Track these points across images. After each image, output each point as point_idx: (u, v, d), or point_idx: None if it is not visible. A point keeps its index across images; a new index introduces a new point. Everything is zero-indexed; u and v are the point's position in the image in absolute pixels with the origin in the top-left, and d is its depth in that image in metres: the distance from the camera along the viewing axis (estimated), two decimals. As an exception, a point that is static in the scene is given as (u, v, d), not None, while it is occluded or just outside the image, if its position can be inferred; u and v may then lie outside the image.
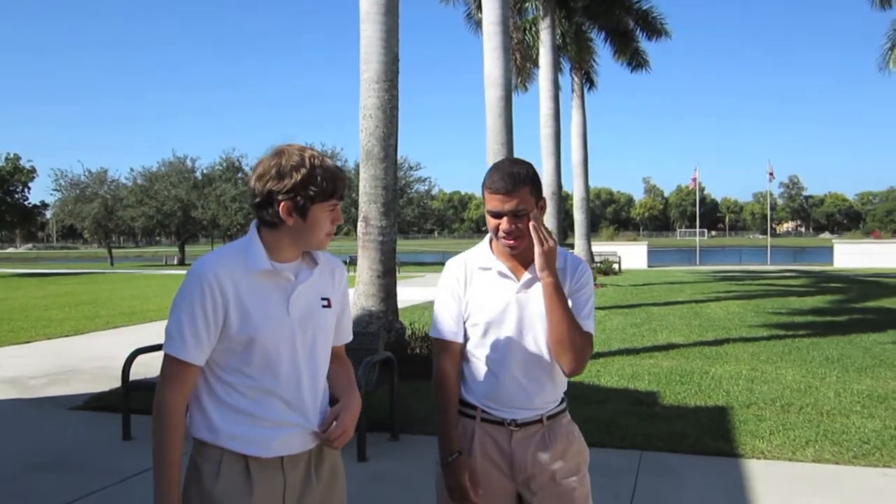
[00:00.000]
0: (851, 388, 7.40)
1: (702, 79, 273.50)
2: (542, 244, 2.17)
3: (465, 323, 2.32)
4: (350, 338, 2.29)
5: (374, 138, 8.03)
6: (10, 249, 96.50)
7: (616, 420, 6.07)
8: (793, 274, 28.74)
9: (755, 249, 61.31)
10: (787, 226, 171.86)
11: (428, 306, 15.35)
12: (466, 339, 2.33)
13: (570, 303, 2.25)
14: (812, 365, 8.63)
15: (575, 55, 26.47)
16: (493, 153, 14.31)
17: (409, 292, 18.66)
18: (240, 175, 45.00)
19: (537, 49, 22.53)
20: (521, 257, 2.29)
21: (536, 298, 2.24)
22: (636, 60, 27.56)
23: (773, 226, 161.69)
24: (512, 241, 2.21)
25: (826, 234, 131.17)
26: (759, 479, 4.78)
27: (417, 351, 8.04)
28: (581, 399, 6.81)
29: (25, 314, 15.70)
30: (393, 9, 8.08)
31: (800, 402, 6.74)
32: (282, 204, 1.93)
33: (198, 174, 46.58)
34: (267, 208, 1.95)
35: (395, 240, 8.32)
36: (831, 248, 38.17)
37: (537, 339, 2.26)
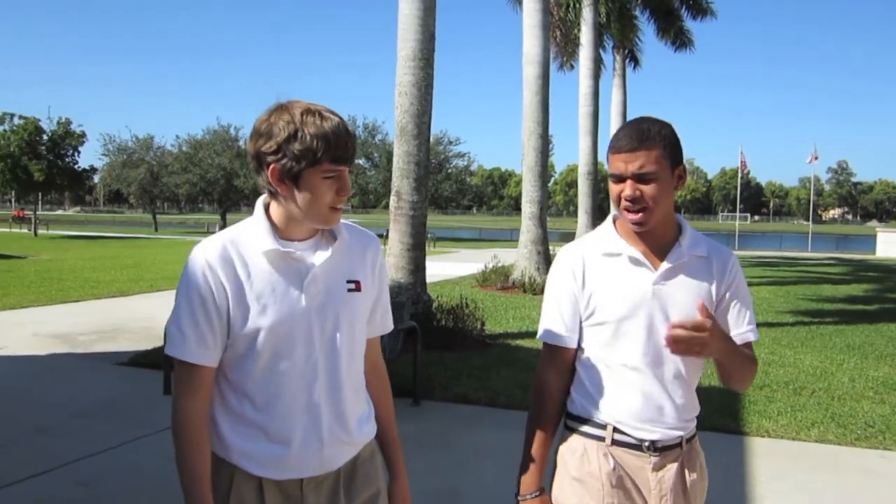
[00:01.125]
0: (867, 374, 7.52)
1: (748, 60, 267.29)
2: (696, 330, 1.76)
3: (584, 322, 1.95)
4: (390, 327, 1.96)
5: (408, 115, 8.29)
6: (59, 212, 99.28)
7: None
8: (832, 262, 28.38)
9: (797, 235, 60.33)
10: (834, 212, 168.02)
11: (458, 282, 15.65)
12: (583, 342, 1.97)
13: (727, 312, 1.94)
14: (832, 351, 8.74)
15: (618, 33, 26.20)
16: (528, 131, 14.46)
17: (442, 267, 18.99)
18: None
19: (579, 27, 22.41)
20: (654, 240, 1.91)
21: (678, 293, 1.88)
22: (680, 40, 27.18)
23: (819, 212, 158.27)
24: (636, 214, 1.83)
25: (874, 222, 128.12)
26: (760, 455, 5.00)
27: (443, 323, 8.34)
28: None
29: (74, 275, 16.39)
30: (430, -12, 8.29)
31: (813, 386, 6.90)
32: (270, 167, 1.64)
33: (241, 143, 47.31)
34: (260, 174, 1.69)
35: (425, 214, 8.61)
36: (874, 237, 37.46)
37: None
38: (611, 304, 1.90)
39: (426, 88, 8.30)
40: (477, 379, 6.80)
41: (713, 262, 1.94)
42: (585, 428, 1.94)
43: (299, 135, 1.59)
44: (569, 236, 25.84)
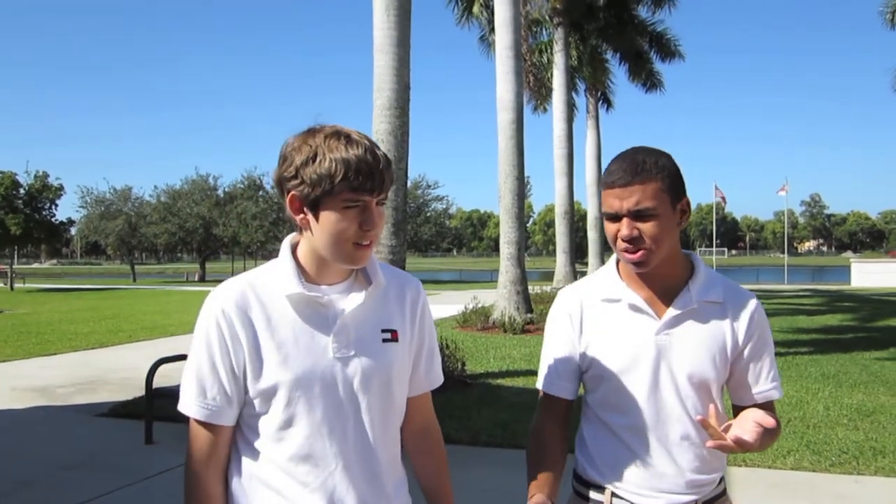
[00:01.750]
0: (842, 402, 7.68)
1: (720, 99, 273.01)
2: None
3: (583, 373, 1.79)
4: (440, 381, 1.76)
5: (384, 162, 8.48)
6: (36, 265, 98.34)
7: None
8: (808, 293, 28.79)
9: (773, 268, 61.17)
10: (809, 244, 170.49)
11: (439, 323, 15.72)
12: (586, 394, 1.84)
13: (746, 367, 1.75)
14: (808, 380, 8.90)
15: (590, 76, 26.86)
16: (503, 174, 14.73)
17: (423, 309, 19.02)
18: (261, 193, 45.78)
19: (552, 71, 22.98)
20: (659, 284, 1.73)
21: (686, 345, 1.70)
22: (651, 81, 27.90)
23: (795, 245, 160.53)
24: (635, 255, 1.65)
25: (848, 253, 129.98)
26: (736, 483, 5.09)
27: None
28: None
29: (52, 327, 16.26)
30: (405, 41, 8.55)
31: (789, 415, 7.03)
32: (290, 194, 1.48)
33: (219, 192, 47.42)
34: (284, 203, 1.53)
35: (404, 258, 8.73)
36: (849, 268, 38.08)
37: (685, 394, 1.71)
38: (608, 355, 1.73)
39: (402, 136, 8.50)
40: (458, 419, 6.87)
41: (729, 310, 1.73)
42: (585, 490, 1.80)
43: (318, 158, 1.42)
44: (549, 275, 26.07)
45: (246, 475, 1.53)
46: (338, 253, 1.48)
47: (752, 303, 1.76)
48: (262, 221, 43.30)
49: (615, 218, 1.65)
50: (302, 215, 1.48)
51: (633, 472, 1.72)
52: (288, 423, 1.48)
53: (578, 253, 40.93)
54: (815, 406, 7.47)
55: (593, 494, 1.78)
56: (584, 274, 26.15)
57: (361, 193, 1.43)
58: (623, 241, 1.64)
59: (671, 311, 1.70)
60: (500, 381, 8.97)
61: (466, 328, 14.60)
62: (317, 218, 1.46)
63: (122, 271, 67.09)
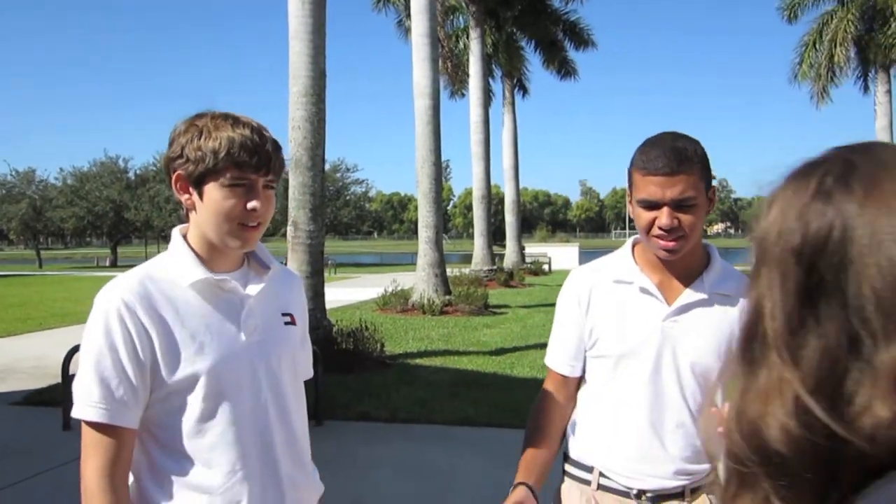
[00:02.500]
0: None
1: (632, 82, 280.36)
2: None
3: (587, 352, 1.80)
4: (310, 374, 1.74)
5: (301, 148, 8.60)
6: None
7: (524, 406, 6.78)
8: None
9: (683, 250, 63.58)
10: (718, 227, 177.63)
11: (359, 307, 15.91)
12: (587, 374, 1.82)
13: None
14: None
15: (506, 63, 27.34)
16: (421, 159, 14.98)
17: (343, 292, 19.17)
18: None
19: (468, 57, 23.30)
20: (676, 271, 1.72)
21: (692, 335, 1.69)
22: (565, 69, 28.61)
23: (705, 227, 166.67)
24: (673, 243, 1.62)
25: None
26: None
27: (344, 346, 8.63)
28: (492, 387, 7.52)
29: (-47, 317, 15.63)
30: (320, 28, 8.66)
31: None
32: (175, 173, 1.47)
33: (131, 175, 45.96)
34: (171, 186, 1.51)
35: (322, 242, 8.90)
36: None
37: (685, 383, 1.70)
38: (613, 337, 1.74)
39: (319, 123, 8.63)
40: (377, 398, 7.12)
41: (740, 304, 1.63)
42: (574, 470, 1.81)
43: (203, 136, 1.42)
44: (468, 258, 26.51)
45: (165, 478, 1.45)
46: (224, 233, 1.46)
47: None
48: (175, 205, 42.20)
49: (654, 206, 1.61)
50: (187, 195, 1.47)
51: (623, 455, 1.72)
52: (208, 414, 1.44)
53: (497, 236, 41.71)
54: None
55: (580, 473, 1.79)
56: (501, 257, 26.75)
57: (246, 171, 1.42)
58: (661, 229, 1.61)
59: (682, 299, 1.70)
60: (418, 361, 9.26)
61: (386, 311, 14.84)
62: (202, 196, 1.45)
63: (26, 257, 64.16)
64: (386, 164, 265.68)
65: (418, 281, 15.28)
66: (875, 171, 0.61)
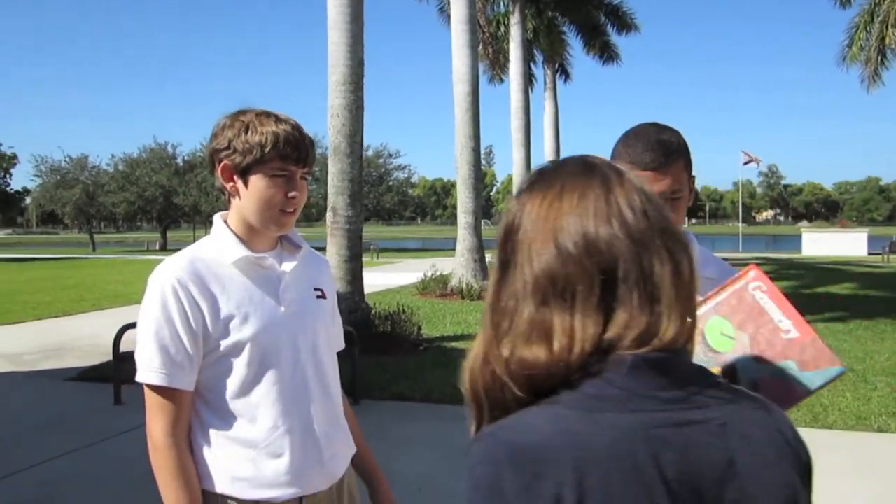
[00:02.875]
0: (767, 361, 8.30)
1: (678, 70, 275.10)
2: None
3: None
4: (341, 346, 1.91)
5: (340, 135, 8.80)
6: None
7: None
8: (760, 261, 29.80)
9: (730, 237, 62.61)
10: (766, 214, 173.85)
11: (399, 291, 16.14)
12: None
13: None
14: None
15: (547, 48, 27.16)
16: (460, 146, 15.09)
17: (384, 277, 19.46)
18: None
19: (508, 43, 23.24)
20: None
21: None
22: (607, 54, 28.28)
23: (753, 214, 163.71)
24: None
25: (803, 223, 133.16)
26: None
27: (381, 329, 8.85)
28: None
29: (12, 297, 16.30)
30: (358, 17, 8.83)
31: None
32: (221, 164, 1.64)
33: (179, 161, 46.96)
34: (215, 175, 1.69)
35: (360, 227, 9.11)
36: (801, 237, 39.27)
37: None
38: None
39: (357, 110, 8.82)
40: (413, 379, 7.32)
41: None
42: None
43: (250, 130, 1.60)
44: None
45: (214, 436, 1.61)
46: (265, 218, 1.63)
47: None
48: (220, 191, 42.98)
49: None
50: (232, 183, 1.64)
51: None
52: (254, 377, 1.61)
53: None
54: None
55: None
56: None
57: (288, 163, 1.61)
58: None
59: None
60: (454, 345, 9.44)
61: (426, 295, 15.05)
62: (246, 185, 1.62)
63: (80, 240, 66.09)
64: (430, 150, 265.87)
65: (457, 266, 15.44)
66: (547, 179, 0.89)
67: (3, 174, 36.99)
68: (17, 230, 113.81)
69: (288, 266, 1.70)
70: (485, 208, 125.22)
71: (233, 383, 1.61)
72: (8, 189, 37.37)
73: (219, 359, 1.60)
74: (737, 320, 1.14)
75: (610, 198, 0.85)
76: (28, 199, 47.09)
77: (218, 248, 1.65)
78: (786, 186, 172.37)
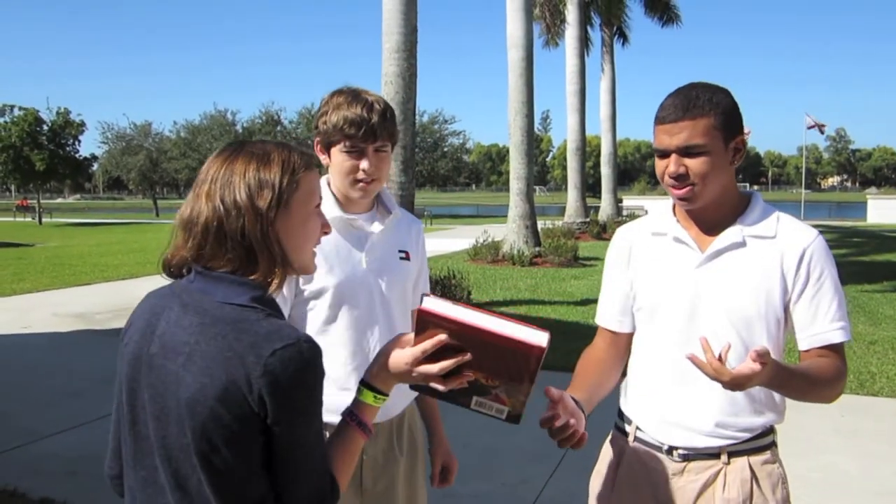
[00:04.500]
0: (820, 330, 8.21)
1: (744, 33, 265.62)
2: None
3: (633, 307, 1.83)
4: None
5: (393, 103, 8.92)
6: (59, 200, 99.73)
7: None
8: (821, 229, 28.83)
9: (792, 204, 60.90)
10: (833, 180, 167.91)
11: (451, 256, 16.33)
12: (635, 326, 1.85)
13: (799, 308, 1.66)
14: (793, 310, 9.42)
15: (605, 10, 26.71)
16: (513, 111, 15.08)
17: (437, 243, 19.66)
18: (278, 128, 46.07)
19: (565, 4, 22.91)
20: (709, 221, 1.71)
21: (728, 280, 1.66)
22: (667, 15, 27.71)
23: (818, 180, 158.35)
24: (681, 191, 1.64)
25: (871, 189, 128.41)
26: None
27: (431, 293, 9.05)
28: (572, 335, 7.75)
29: (83, 260, 17.08)
30: (412, -16, 8.89)
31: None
32: (316, 139, 1.92)
33: (238, 127, 47.81)
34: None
35: (413, 194, 9.27)
36: (866, 204, 38.01)
37: (722, 331, 1.64)
38: (648, 288, 1.76)
39: (410, 78, 8.92)
40: (461, 342, 7.49)
41: (782, 246, 1.65)
42: (618, 421, 1.86)
43: (329, 113, 1.85)
44: (564, 210, 26.49)
45: None
46: (346, 186, 1.89)
47: (808, 239, 1.66)
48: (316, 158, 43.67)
49: (664, 154, 1.63)
50: (324, 156, 1.91)
51: (658, 408, 1.74)
52: (332, 319, 1.87)
53: (595, 188, 41.13)
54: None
55: (621, 424, 1.85)
56: (595, 209, 26.55)
57: (356, 141, 1.83)
58: (670, 177, 1.63)
59: (714, 245, 1.67)
60: (503, 310, 9.56)
61: (477, 261, 15.20)
62: (330, 158, 1.89)
63: (144, 206, 68.12)
64: (486, 115, 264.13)
65: (509, 232, 15.53)
66: (237, 147, 1.31)
67: (72, 141, 38.12)
68: (85, 195, 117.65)
69: (377, 228, 1.93)
70: (540, 174, 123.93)
71: (314, 322, 1.86)
72: (77, 156, 38.54)
73: (305, 299, 1.85)
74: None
75: None
76: (95, 166, 48.57)
77: None
78: (854, 151, 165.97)
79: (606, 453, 1.89)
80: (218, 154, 1.31)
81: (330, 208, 1.87)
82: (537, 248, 15.22)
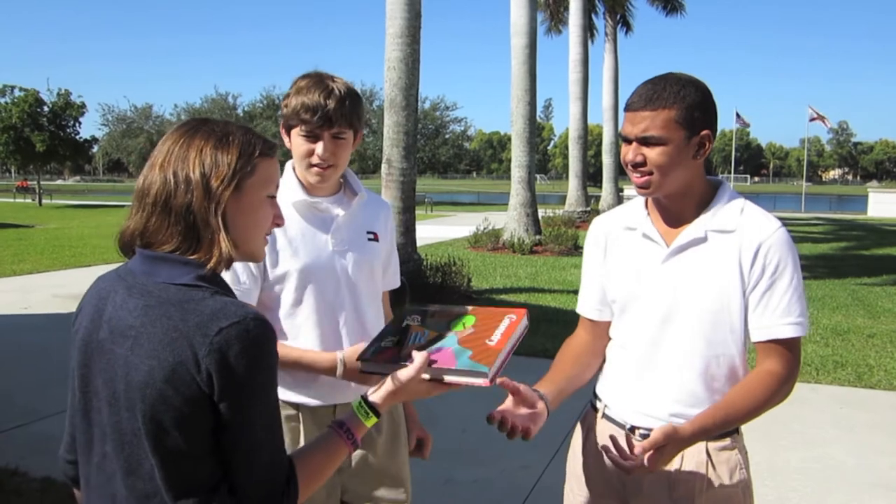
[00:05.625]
0: (820, 322, 8.24)
1: (747, 25, 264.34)
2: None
3: (608, 297, 1.87)
4: (397, 283, 2.16)
5: (396, 88, 8.91)
6: (59, 181, 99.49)
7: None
8: (820, 222, 29.02)
9: (793, 196, 60.87)
10: (834, 173, 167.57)
11: (451, 243, 16.33)
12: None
13: (752, 301, 1.67)
14: (792, 302, 9.44)
15: (609, -2, 26.57)
16: (516, 99, 15.03)
17: (437, 230, 19.68)
18: (279, 112, 45.94)
19: (570, -7, 22.79)
20: (673, 214, 1.75)
21: (692, 275, 1.69)
22: (671, 4, 27.57)
23: (820, 173, 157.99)
24: (640, 179, 1.67)
25: (872, 183, 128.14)
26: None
27: (432, 280, 9.06)
28: (571, 324, 7.77)
29: (83, 241, 17.08)
30: (415, -31, 8.85)
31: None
32: (281, 122, 1.96)
33: (239, 111, 47.71)
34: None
35: (414, 180, 9.27)
36: (867, 197, 37.98)
37: (686, 323, 1.70)
38: (620, 281, 1.80)
39: (413, 63, 8.90)
40: (461, 329, 7.51)
41: (742, 238, 1.67)
42: (593, 399, 1.92)
43: (291, 96, 1.87)
44: (565, 199, 26.47)
45: None
46: (303, 170, 1.91)
47: (767, 230, 1.67)
48: (281, 141, 43.61)
49: (626, 140, 1.67)
50: (286, 138, 1.93)
51: (624, 393, 1.80)
52: (298, 301, 1.89)
53: (597, 177, 41.06)
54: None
55: (595, 402, 1.91)
56: (597, 198, 26.53)
57: (312, 127, 1.84)
58: (629, 164, 1.67)
59: (678, 240, 1.70)
60: (503, 297, 9.61)
61: (477, 248, 15.21)
62: (290, 141, 1.91)
63: (144, 189, 67.76)
64: (488, 102, 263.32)
65: (509, 220, 15.52)
66: (198, 123, 1.30)
67: (73, 123, 37.99)
68: (85, 177, 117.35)
69: (342, 210, 1.95)
70: (541, 163, 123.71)
71: (282, 305, 1.89)
72: (77, 138, 38.43)
73: (272, 283, 1.88)
74: (479, 321, 1.53)
75: None
76: (95, 148, 48.50)
77: (282, 191, 1.81)
78: (856, 144, 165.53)
79: (578, 429, 1.97)
80: (178, 128, 1.29)
81: (294, 192, 1.92)
82: (538, 237, 15.22)
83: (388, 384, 1.38)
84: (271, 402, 1.20)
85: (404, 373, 1.37)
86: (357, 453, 1.93)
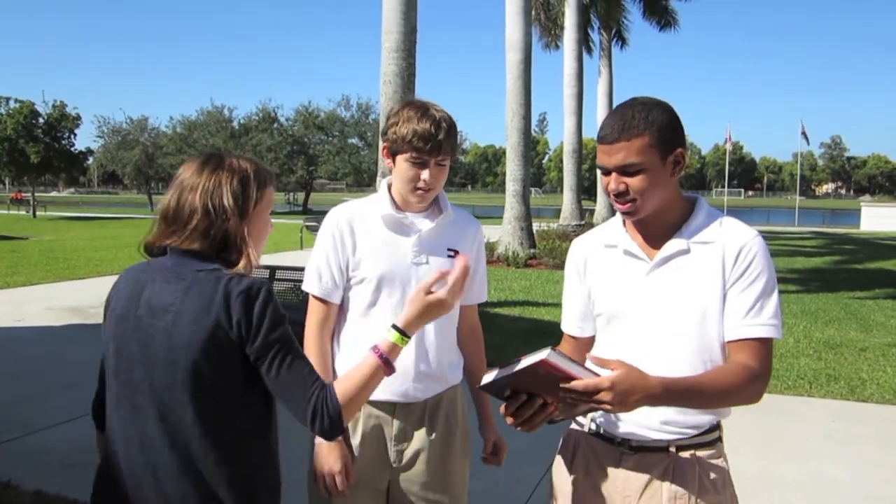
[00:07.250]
0: (813, 336, 8.28)
1: (741, 39, 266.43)
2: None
3: (594, 314, 1.92)
4: (484, 297, 2.30)
5: (392, 102, 8.94)
6: (54, 193, 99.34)
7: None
8: (813, 235, 29.14)
9: (786, 210, 61.12)
10: (827, 187, 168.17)
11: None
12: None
13: (728, 300, 1.72)
14: (786, 316, 9.46)
15: (604, 13, 26.76)
16: (511, 113, 15.11)
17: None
18: (275, 125, 45.98)
19: (564, 8, 22.95)
20: (654, 230, 1.80)
21: (675, 287, 1.74)
22: (665, 19, 27.78)
23: (813, 187, 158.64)
24: (623, 206, 1.74)
25: (865, 197, 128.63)
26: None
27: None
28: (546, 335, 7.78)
29: (77, 254, 17.06)
30: (412, -16, 8.92)
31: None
32: (384, 144, 2.11)
33: (234, 124, 47.75)
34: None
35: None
36: (859, 211, 38.16)
37: (669, 335, 1.75)
38: (604, 297, 1.85)
39: (409, 77, 8.95)
40: (456, 342, 7.50)
41: (722, 249, 1.74)
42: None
43: (399, 123, 2.04)
44: (560, 212, 26.53)
45: (346, 346, 2.12)
46: (406, 192, 2.08)
47: (747, 236, 1.74)
48: (276, 154, 43.69)
49: (605, 172, 1.72)
50: (390, 160, 2.10)
51: None
52: (373, 304, 2.08)
53: (591, 190, 41.18)
54: (786, 340, 8.06)
55: (580, 419, 1.93)
56: (591, 212, 26.58)
57: (422, 154, 2.02)
58: (612, 194, 1.73)
59: (661, 253, 1.76)
60: (497, 310, 9.61)
61: (472, 262, 15.20)
62: (395, 164, 2.07)
63: (138, 201, 67.94)
64: (482, 116, 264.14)
65: (504, 234, 15.56)
66: (219, 160, 1.67)
67: (68, 135, 38.00)
68: (80, 189, 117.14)
69: (426, 226, 2.12)
70: (536, 177, 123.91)
71: (359, 306, 2.09)
72: (72, 149, 38.42)
73: (353, 284, 2.09)
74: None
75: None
76: (90, 160, 48.43)
77: (375, 203, 2.13)
78: (849, 159, 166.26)
79: (563, 445, 1.99)
80: (203, 164, 1.64)
81: (384, 206, 2.11)
82: (532, 250, 15.25)
83: (407, 307, 1.66)
84: (291, 337, 1.55)
85: (418, 294, 1.65)
86: (409, 450, 2.10)
